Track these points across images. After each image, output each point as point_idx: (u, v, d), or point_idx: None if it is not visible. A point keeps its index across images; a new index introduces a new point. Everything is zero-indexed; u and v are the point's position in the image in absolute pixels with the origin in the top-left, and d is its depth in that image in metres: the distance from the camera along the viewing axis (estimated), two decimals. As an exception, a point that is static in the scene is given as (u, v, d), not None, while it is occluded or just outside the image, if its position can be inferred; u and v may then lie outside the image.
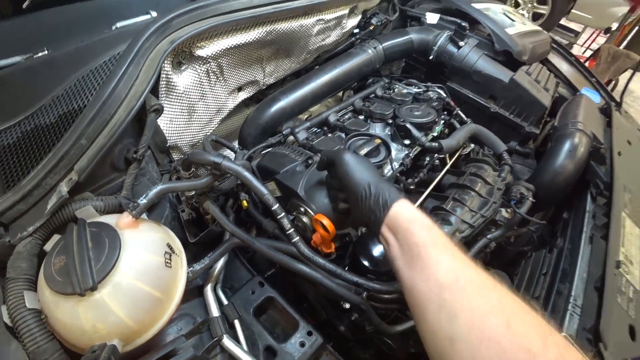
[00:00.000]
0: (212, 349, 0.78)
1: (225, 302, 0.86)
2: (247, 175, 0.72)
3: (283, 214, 0.73)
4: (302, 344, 0.81)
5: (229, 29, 0.89)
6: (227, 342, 0.77)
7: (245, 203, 0.87)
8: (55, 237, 0.66)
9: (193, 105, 0.95)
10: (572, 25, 5.06)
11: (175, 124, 0.92)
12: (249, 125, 1.06)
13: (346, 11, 1.20)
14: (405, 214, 0.57)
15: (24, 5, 1.00)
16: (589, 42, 5.14)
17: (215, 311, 0.82)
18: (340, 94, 1.43)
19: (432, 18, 1.32)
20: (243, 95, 1.13)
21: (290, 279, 1.05)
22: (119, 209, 0.75)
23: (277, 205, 0.73)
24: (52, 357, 0.57)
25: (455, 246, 0.52)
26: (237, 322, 0.82)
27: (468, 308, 0.43)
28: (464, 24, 1.23)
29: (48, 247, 0.65)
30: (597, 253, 0.89)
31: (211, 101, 1.01)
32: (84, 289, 0.54)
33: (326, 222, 0.76)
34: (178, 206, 0.91)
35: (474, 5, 1.31)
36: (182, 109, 0.92)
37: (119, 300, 0.58)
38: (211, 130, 1.07)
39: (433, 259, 0.49)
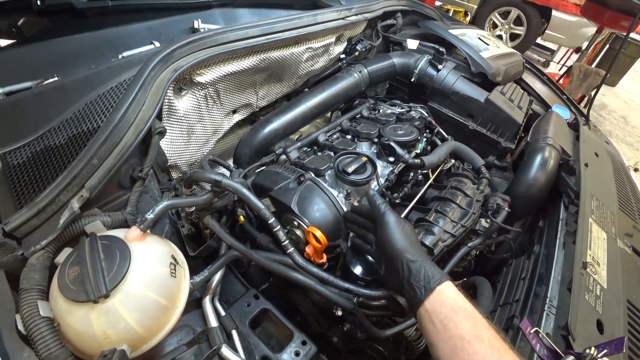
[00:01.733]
0: (211, 358, 0.84)
1: (222, 313, 0.91)
2: (245, 192, 0.80)
3: (278, 227, 0.81)
4: (297, 354, 0.86)
5: (226, 58, 0.99)
6: (226, 351, 0.82)
7: (242, 218, 0.94)
8: (66, 250, 0.72)
9: (192, 127, 1.03)
10: (548, 44, 5.44)
11: (175, 145, 1.00)
12: (244, 146, 1.15)
13: (333, 39, 1.32)
14: (449, 300, 0.56)
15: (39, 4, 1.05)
16: (564, 59, 5.52)
17: (213, 322, 0.87)
18: (329, 114, 1.53)
19: (412, 44, 1.45)
20: (237, 117, 1.23)
21: (283, 293, 1.11)
22: (125, 224, 0.81)
23: (273, 219, 0.80)
24: (64, 364, 0.61)
25: (500, 339, 0.52)
26: (234, 333, 0.87)
27: None
28: (441, 49, 1.36)
29: (59, 259, 0.71)
30: (569, 257, 0.98)
31: (208, 123, 1.09)
32: (97, 296, 0.60)
33: (318, 233, 0.84)
34: (178, 222, 0.97)
35: (450, 31, 1.46)
36: (181, 131, 1.00)
37: (129, 307, 0.63)
38: (208, 150, 1.16)
39: (480, 357, 0.49)
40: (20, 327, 0.63)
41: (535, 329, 0.72)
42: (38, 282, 0.67)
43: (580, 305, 0.81)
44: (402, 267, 0.63)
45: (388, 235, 0.68)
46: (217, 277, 0.94)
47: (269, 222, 0.80)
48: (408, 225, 0.71)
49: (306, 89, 1.49)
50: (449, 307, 0.55)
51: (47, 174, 0.79)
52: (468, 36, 1.47)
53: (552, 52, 5.38)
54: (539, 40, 5.33)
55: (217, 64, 0.98)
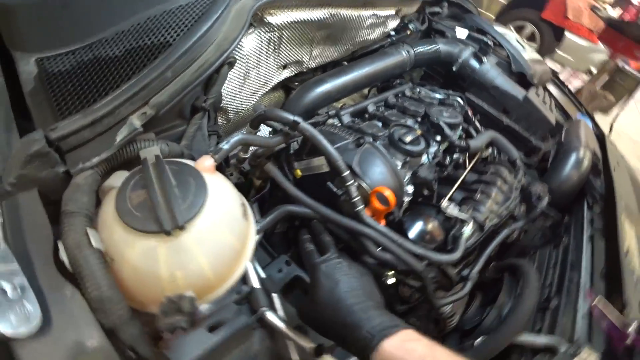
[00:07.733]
0: (256, 320, 0.70)
1: (263, 275, 0.78)
2: (322, 139, 0.68)
3: (352, 180, 0.70)
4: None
5: (299, 3, 0.86)
6: (270, 315, 0.70)
7: (299, 172, 0.82)
8: (119, 174, 0.57)
9: (248, 72, 0.88)
10: (551, 65, 5.32)
11: (230, 86, 0.84)
12: (293, 103, 1.00)
13: (393, 12, 1.21)
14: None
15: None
16: (569, 78, 5.40)
17: (256, 282, 0.74)
18: (365, 91, 1.42)
19: (461, 33, 1.36)
20: (285, 74, 1.08)
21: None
22: (180, 158, 0.66)
23: (348, 172, 0.69)
24: (117, 307, 0.45)
25: None
26: (275, 296, 0.74)
27: None
28: (489, 42, 1.29)
29: (111, 183, 0.56)
30: (598, 249, 0.96)
31: (262, 71, 0.94)
32: (171, 226, 0.46)
33: (388, 193, 0.74)
34: (226, 169, 0.83)
35: (495, 27, 1.39)
36: (240, 72, 0.85)
37: (203, 246, 0.50)
38: (254, 102, 1.01)
39: None
40: (64, 258, 0.47)
41: (600, 296, 0.67)
42: (86, 206, 0.50)
43: (629, 284, 0.78)
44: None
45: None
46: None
47: (344, 174, 0.68)
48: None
49: (344, 63, 1.36)
50: None
51: (98, 86, 0.62)
52: (509, 36, 1.41)
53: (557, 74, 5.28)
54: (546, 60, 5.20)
55: (290, 7, 0.84)
